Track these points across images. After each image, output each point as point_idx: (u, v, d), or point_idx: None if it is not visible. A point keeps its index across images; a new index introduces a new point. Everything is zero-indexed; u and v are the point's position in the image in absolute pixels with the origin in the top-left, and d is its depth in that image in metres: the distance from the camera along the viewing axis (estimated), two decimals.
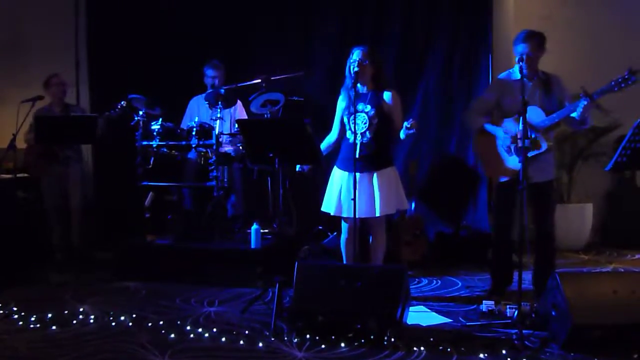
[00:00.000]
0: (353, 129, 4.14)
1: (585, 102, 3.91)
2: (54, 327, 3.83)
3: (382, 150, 4.29)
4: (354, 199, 3.96)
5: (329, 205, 4.37)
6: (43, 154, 5.52)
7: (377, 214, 4.22)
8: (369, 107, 4.24)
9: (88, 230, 5.91)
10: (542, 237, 4.25)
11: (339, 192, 4.30)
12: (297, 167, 4.45)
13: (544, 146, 4.11)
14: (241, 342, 3.56)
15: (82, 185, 5.78)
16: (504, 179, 4.31)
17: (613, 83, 3.81)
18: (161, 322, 3.90)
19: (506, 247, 4.45)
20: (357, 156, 4.09)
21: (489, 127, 4.31)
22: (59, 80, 5.64)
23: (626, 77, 3.77)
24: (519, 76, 4.22)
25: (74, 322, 3.95)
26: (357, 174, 4.10)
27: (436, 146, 6.03)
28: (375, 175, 4.23)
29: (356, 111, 4.16)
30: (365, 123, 4.23)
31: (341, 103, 4.40)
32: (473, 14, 5.88)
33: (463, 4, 5.90)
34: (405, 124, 3.97)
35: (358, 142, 4.17)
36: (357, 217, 4.11)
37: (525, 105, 3.55)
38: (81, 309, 4.20)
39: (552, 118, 4.10)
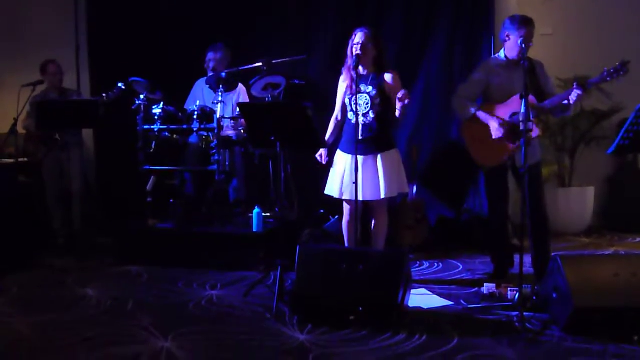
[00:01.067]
0: (355, 110, 4.13)
1: (580, 92, 3.91)
2: (56, 311, 3.85)
3: (384, 131, 4.27)
4: (356, 182, 3.97)
5: (332, 188, 4.37)
6: (43, 140, 5.51)
7: (382, 196, 4.21)
8: (370, 87, 4.23)
9: (89, 215, 5.92)
10: (537, 219, 4.23)
11: (342, 175, 4.30)
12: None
13: (537, 131, 4.08)
14: (243, 325, 3.57)
15: (83, 170, 5.78)
16: (493, 166, 4.30)
17: (605, 74, 3.85)
18: (163, 306, 3.91)
19: (502, 231, 4.47)
20: (359, 137, 4.08)
21: (482, 115, 4.25)
22: (55, 70, 5.62)
23: (618, 68, 3.81)
24: (504, 60, 4.23)
25: (77, 306, 3.97)
26: (361, 157, 4.10)
27: (437, 131, 6.00)
28: (379, 157, 4.23)
29: (358, 92, 4.14)
30: (367, 104, 4.22)
31: (342, 84, 4.39)
32: None
33: None
34: (398, 95, 3.92)
35: (360, 122, 4.17)
36: (361, 200, 4.12)
37: (527, 89, 3.53)
38: (83, 293, 4.22)
39: (544, 105, 4.08)
